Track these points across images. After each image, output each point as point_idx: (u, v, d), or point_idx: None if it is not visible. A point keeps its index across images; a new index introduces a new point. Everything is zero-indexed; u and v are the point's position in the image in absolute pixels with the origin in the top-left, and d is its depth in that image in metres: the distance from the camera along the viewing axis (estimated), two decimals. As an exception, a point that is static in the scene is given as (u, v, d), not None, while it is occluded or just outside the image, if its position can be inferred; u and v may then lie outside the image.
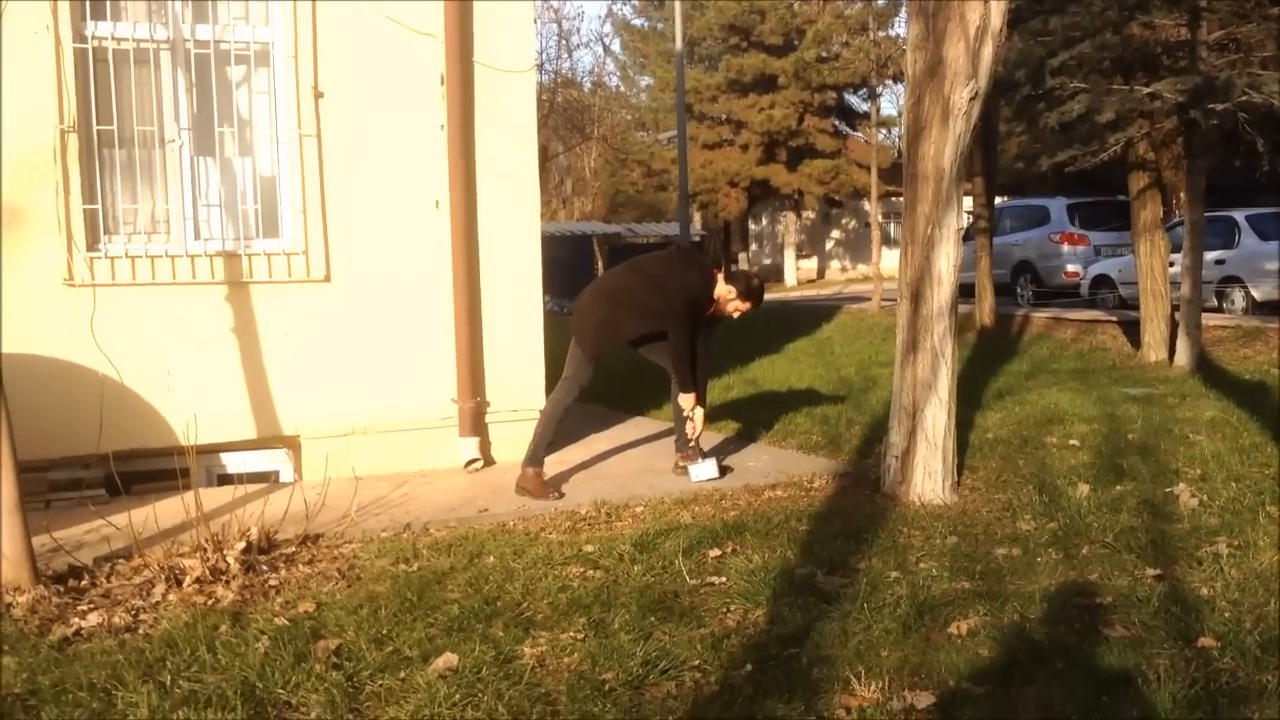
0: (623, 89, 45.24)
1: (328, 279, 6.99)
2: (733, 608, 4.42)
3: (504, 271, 7.39)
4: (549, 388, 7.60)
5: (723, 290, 6.68)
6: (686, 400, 6.66)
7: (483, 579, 4.82)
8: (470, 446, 7.20)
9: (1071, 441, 7.36)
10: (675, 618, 4.31)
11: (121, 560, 5.14)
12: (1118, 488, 6.07)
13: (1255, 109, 10.46)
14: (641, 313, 6.62)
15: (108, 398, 6.36)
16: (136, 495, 6.18)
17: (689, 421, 6.79)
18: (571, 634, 4.14)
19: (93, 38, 6.49)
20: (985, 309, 15.72)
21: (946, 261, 6.04)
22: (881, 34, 34.95)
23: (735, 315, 6.81)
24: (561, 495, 6.45)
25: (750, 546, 5.20)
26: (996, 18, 5.93)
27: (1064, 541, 5.13)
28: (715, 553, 5.11)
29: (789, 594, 4.50)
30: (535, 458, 6.56)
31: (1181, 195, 14.15)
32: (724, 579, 4.76)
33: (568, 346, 6.75)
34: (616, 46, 45.14)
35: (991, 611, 4.24)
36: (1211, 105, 10.42)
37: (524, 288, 7.49)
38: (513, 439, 7.42)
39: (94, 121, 6.51)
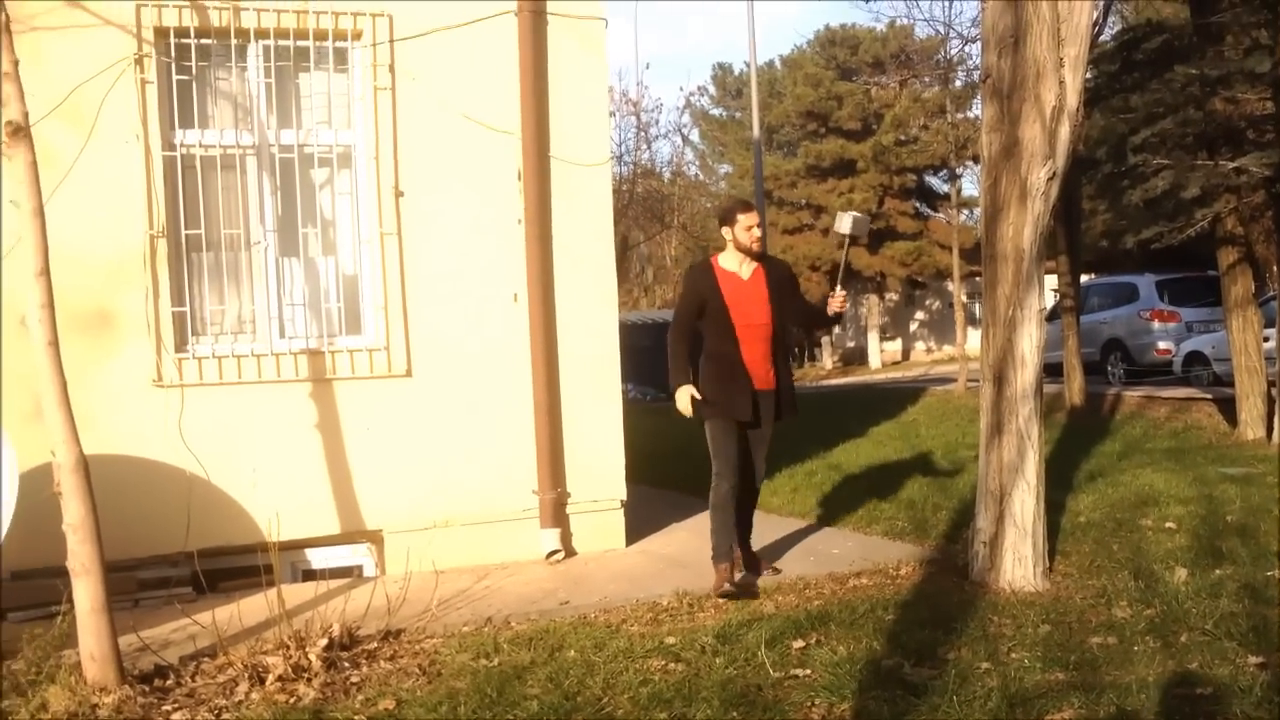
0: (701, 177, 45.70)
1: (409, 374, 7.06)
2: (817, 701, 4.31)
3: (583, 362, 7.42)
4: (629, 476, 7.60)
5: (728, 248, 6.21)
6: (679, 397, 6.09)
7: (563, 674, 4.77)
8: (551, 538, 7.18)
9: (1168, 524, 7.15)
10: (759, 712, 4.22)
11: (206, 658, 5.17)
12: (1217, 571, 5.86)
13: (1346, 180, 10.25)
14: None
15: (195, 496, 6.45)
16: (223, 592, 6.25)
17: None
18: (652, 730, 4.07)
19: (181, 145, 6.71)
20: (1075, 388, 15.43)
21: (1029, 342, 5.94)
22: (960, 116, 34.97)
23: (756, 241, 6.14)
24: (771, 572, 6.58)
25: (835, 637, 5.09)
26: (1073, 97, 5.89)
27: (1161, 629, 4.95)
28: (799, 644, 5.01)
29: (875, 686, 4.39)
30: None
31: (1273, 269, 13.85)
32: (808, 671, 4.65)
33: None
34: (695, 136, 45.68)
35: (1087, 704, 4.09)
36: (1300, 177, 10.23)
37: (603, 378, 7.50)
38: (593, 529, 7.40)
39: (182, 226, 6.70)
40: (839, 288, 6.13)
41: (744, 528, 6.51)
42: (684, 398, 5.99)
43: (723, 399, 6.04)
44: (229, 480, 6.66)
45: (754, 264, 6.18)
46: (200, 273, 6.83)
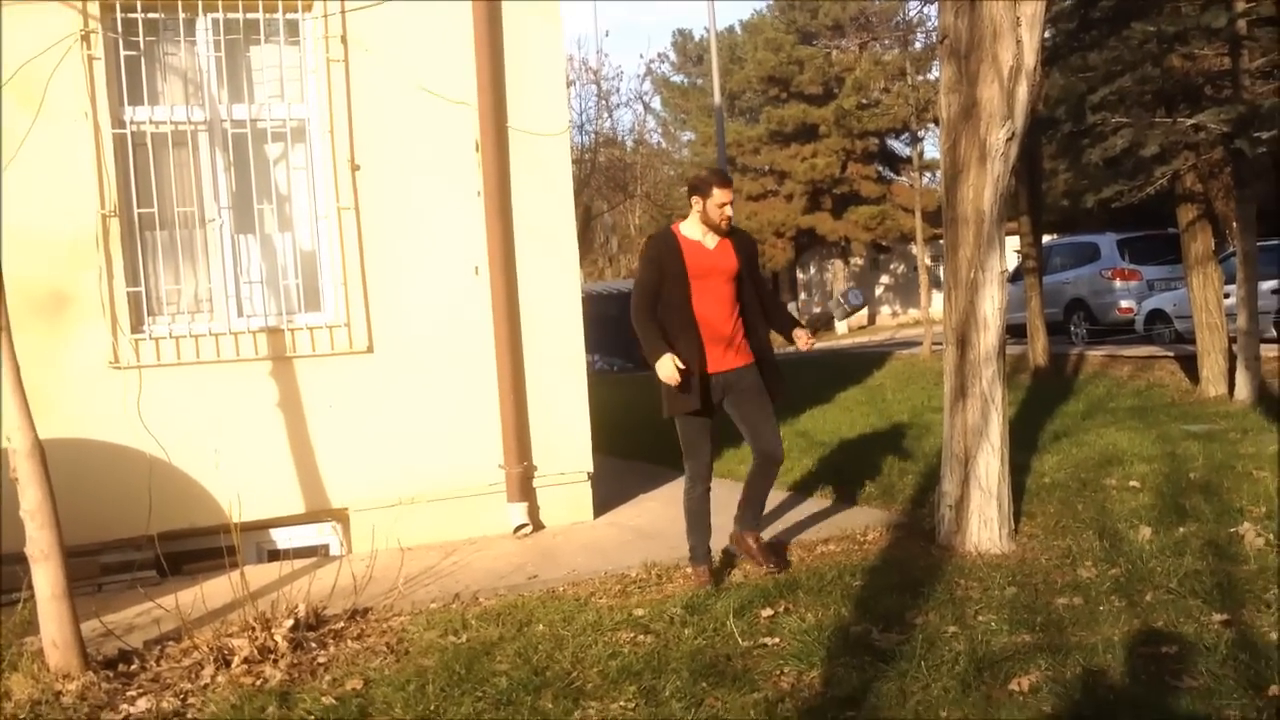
0: (664, 145, 45.51)
1: (370, 350, 7.00)
2: (786, 669, 4.31)
3: (546, 334, 7.37)
4: (596, 448, 7.57)
5: (691, 218, 5.69)
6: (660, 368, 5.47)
7: (532, 648, 4.75)
8: (519, 512, 7.15)
9: (1132, 483, 7.18)
10: (728, 682, 4.22)
11: (171, 642, 5.13)
12: (1181, 529, 5.90)
13: (1303, 135, 10.28)
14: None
15: (156, 478, 6.38)
16: (187, 575, 6.20)
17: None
18: (622, 703, 4.07)
19: (131, 122, 6.60)
20: (1039, 349, 15.49)
21: (991, 305, 5.94)
22: (920, 78, 34.98)
23: (726, 219, 5.62)
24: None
25: (803, 605, 5.09)
26: (1030, 56, 5.86)
27: (1127, 588, 4.98)
28: (768, 612, 5.01)
29: (844, 653, 4.40)
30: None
31: (1233, 225, 13.93)
32: (777, 640, 4.65)
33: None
34: (657, 104, 45.48)
35: (1054, 665, 4.11)
36: (1258, 134, 10.26)
37: (567, 349, 7.45)
38: (561, 502, 7.38)
39: (135, 205, 6.60)
40: (805, 332, 5.80)
41: (755, 506, 5.96)
42: (667, 365, 5.36)
43: (679, 392, 5.47)
44: (190, 462, 6.59)
45: (719, 237, 5.67)
46: (154, 252, 6.73)
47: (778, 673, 4.30)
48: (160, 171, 6.67)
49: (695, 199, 5.62)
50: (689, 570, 5.83)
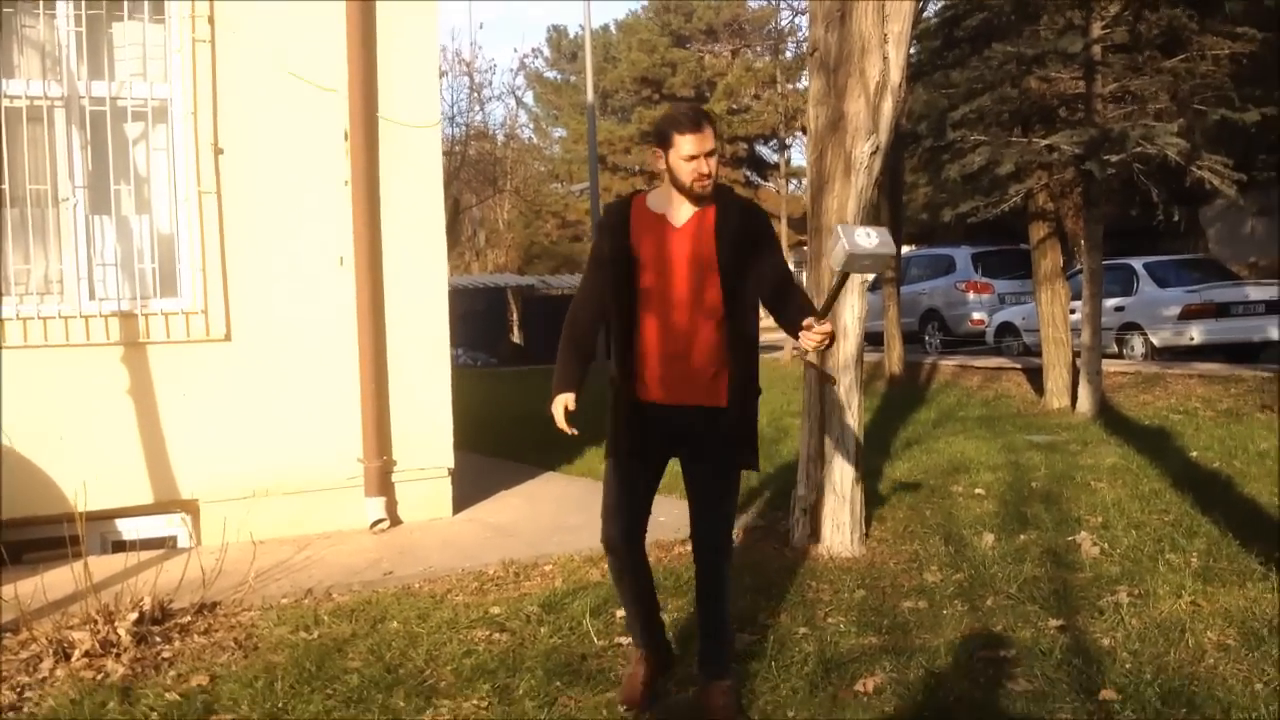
0: (536, 141, 45.48)
1: (228, 338, 6.85)
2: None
3: (411, 327, 7.30)
4: (459, 444, 7.52)
5: (662, 182, 3.96)
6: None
7: (385, 646, 4.71)
8: (376, 507, 7.07)
9: (977, 490, 7.43)
10: (582, 681, 4.25)
11: (8, 634, 4.94)
12: (1022, 537, 6.12)
13: (1150, 160, 10.76)
14: None
15: (-3, 463, 6.15)
16: (27, 564, 5.98)
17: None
18: (475, 702, 4.07)
19: (-18, 94, 6.34)
20: (894, 357, 15.90)
21: (851, 314, 6.09)
22: (790, 87, 35.61)
23: (702, 179, 3.78)
24: None
25: (661, 605, 5.14)
26: (896, 73, 6.02)
27: (969, 593, 5.16)
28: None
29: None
30: None
31: (1081, 244, 14.48)
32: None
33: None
34: (529, 99, 45.39)
35: (898, 667, 4.24)
36: (1107, 156, 10.70)
37: (432, 343, 7.39)
38: (420, 498, 7.32)
39: (-17, 180, 6.35)
40: (815, 319, 3.54)
41: (714, 637, 4.04)
42: (556, 407, 3.99)
43: (613, 422, 3.99)
44: (34, 448, 6.35)
45: (698, 206, 3.87)
46: (3, 230, 6.48)
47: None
48: (12, 147, 6.41)
49: (656, 151, 3.87)
50: (547, 568, 5.83)
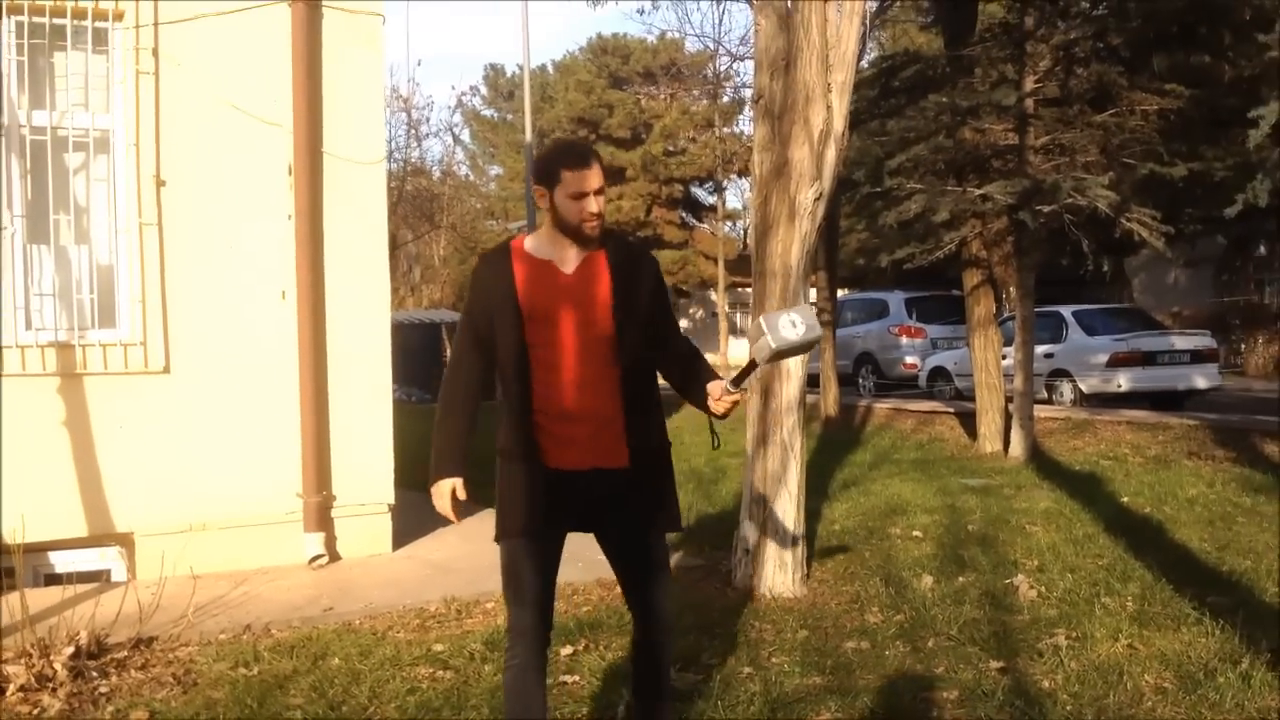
0: (472, 178, 45.44)
1: (167, 370, 6.77)
2: (585, 710, 4.36)
3: (353, 362, 7.26)
4: (398, 480, 7.48)
5: (545, 224, 3.57)
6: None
7: (327, 682, 4.68)
8: (315, 542, 7.01)
9: (915, 533, 7.52)
10: None
11: (-63, 669, 4.83)
12: (960, 579, 6.21)
13: (1080, 210, 11.00)
14: None
15: (-74, 495, 6.02)
16: (-46, 598, 5.85)
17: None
18: (420, 740, 4.04)
19: (-79, 120, 6.26)
20: (830, 399, 16.04)
21: (795, 358, 6.15)
22: (726, 130, 35.97)
23: (591, 219, 3.42)
24: None
25: (603, 643, 5.15)
26: (839, 122, 6.13)
27: (910, 634, 5.21)
28: (568, 650, 5.05)
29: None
30: None
31: (1011, 290, 14.75)
32: (576, 677, 4.70)
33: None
34: (466, 136, 45.40)
35: (843, 707, 4.28)
36: (1039, 206, 10.93)
37: (374, 379, 7.36)
38: (360, 534, 7.26)
39: (-81, 206, 6.25)
40: (730, 385, 3.36)
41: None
42: (442, 496, 3.52)
43: (505, 496, 3.52)
44: (-35, 479, 6.24)
45: (586, 250, 3.52)
46: (-62, 258, 6.39)
47: (577, 713, 4.34)
48: (-51, 173, 6.34)
49: (540, 189, 3.49)
50: (489, 605, 5.81)
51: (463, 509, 3.52)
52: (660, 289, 3.64)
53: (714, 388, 3.38)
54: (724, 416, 3.41)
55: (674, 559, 6.95)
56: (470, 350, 3.57)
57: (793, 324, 3.15)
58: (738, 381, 3.31)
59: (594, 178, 3.41)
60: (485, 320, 3.51)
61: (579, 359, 3.44)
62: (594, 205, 3.40)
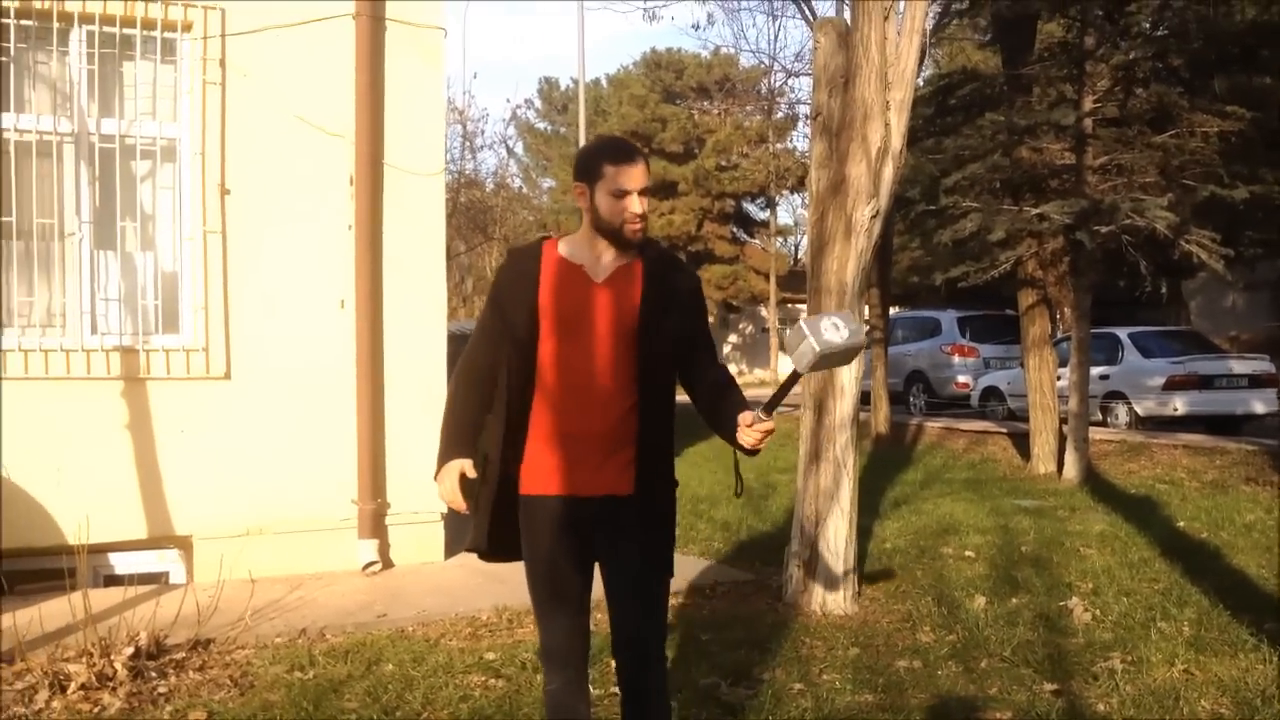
0: (525, 190, 45.64)
1: (227, 376, 6.88)
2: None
3: (409, 371, 7.34)
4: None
5: (582, 226, 3.28)
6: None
7: (381, 688, 4.72)
8: (369, 549, 7.08)
9: (967, 553, 7.48)
10: (579, 730, 4.25)
11: (3, 664, 4.93)
12: (1013, 600, 6.16)
13: (1138, 231, 10.90)
14: None
15: (-8, 494, 6.15)
16: (20, 595, 5.97)
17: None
18: (474, 747, 4.07)
19: (-6, 128, 6.41)
20: (880, 417, 15.97)
21: (849, 373, 6.16)
22: (780, 146, 35.97)
23: (634, 221, 3.16)
24: None
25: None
26: (897, 139, 6.13)
27: (963, 654, 5.19)
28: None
29: (694, 704, 4.49)
30: None
31: (1065, 311, 14.63)
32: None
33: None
34: (520, 149, 45.64)
35: (895, 725, 4.27)
36: (1097, 227, 10.84)
37: (429, 388, 7.42)
38: (413, 541, 7.33)
39: (-8, 212, 6.40)
40: (762, 412, 3.02)
41: None
42: (448, 481, 3.27)
43: (480, 508, 3.33)
44: (31, 479, 6.36)
45: (625, 257, 3.25)
46: (9, 262, 6.53)
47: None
48: (21, 181, 6.48)
49: (580, 187, 3.23)
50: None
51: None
52: (698, 308, 3.36)
53: (745, 416, 3.05)
54: (753, 452, 3.07)
55: (725, 574, 6.97)
56: (482, 345, 3.32)
57: (835, 327, 2.85)
58: (771, 407, 2.98)
59: (638, 175, 3.15)
60: (501, 318, 3.27)
61: (596, 375, 3.17)
62: (637, 205, 3.15)
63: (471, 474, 3.23)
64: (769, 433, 3.02)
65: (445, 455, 3.28)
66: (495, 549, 3.34)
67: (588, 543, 3.24)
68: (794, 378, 2.93)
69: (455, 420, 3.33)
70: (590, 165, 3.19)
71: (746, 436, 3.03)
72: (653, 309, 3.19)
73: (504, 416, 3.23)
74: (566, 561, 3.24)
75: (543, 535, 3.23)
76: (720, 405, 3.20)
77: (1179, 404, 15.41)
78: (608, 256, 3.22)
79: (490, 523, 3.28)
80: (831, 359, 2.90)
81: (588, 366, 3.16)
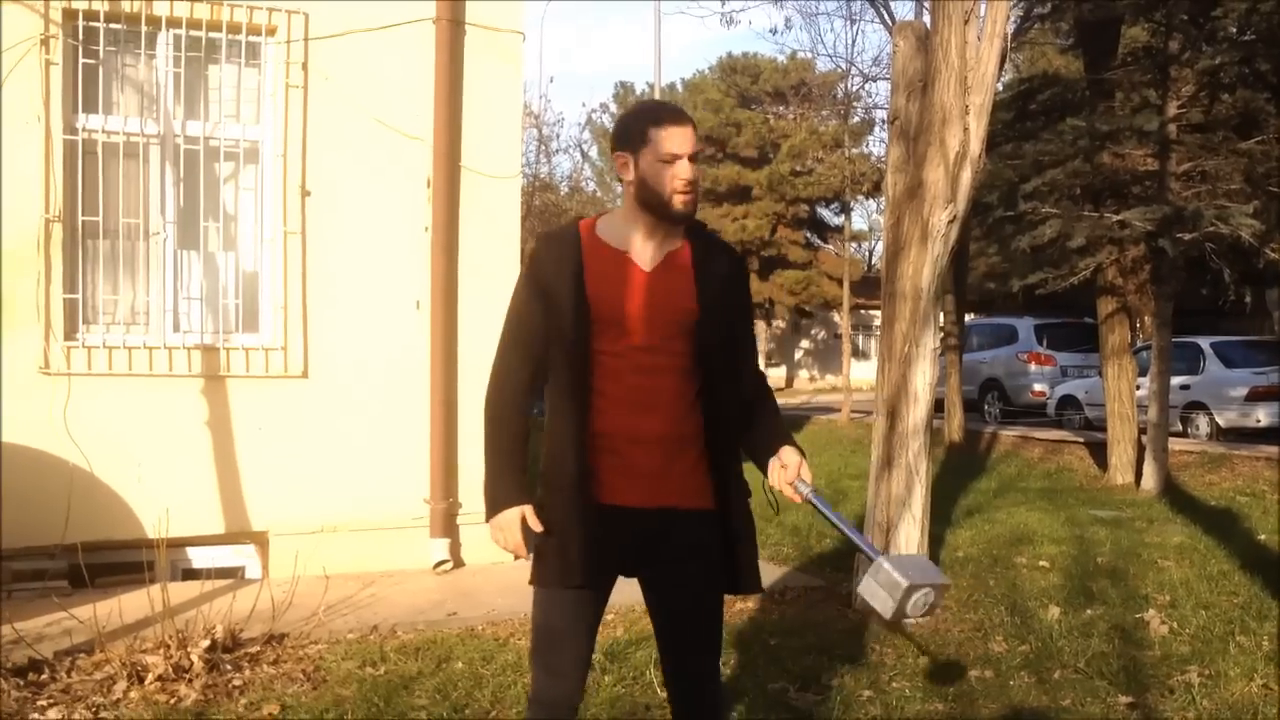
0: (599, 194, 45.76)
1: (305, 375, 6.98)
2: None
3: (482, 372, 7.26)
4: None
5: (625, 202, 2.92)
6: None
7: (451, 685, 4.76)
8: (440, 548, 7.15)
9: (1041, 562, 7.38)
10: (647, 732, 4.27)
11: (83, 654, 5.05)
12: (1088, 611, 6.07)
13: (1222, 239, 10.70)
14: None
15: (76, 488, 6.29)
16: (100, 588, 6.09)
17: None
18: (542, 746, 4.08)
19: (83, 129, 6.56)
20: (955, 425, 15.84)
21: (923, 379, 6.11)
22: (855, 150, 35.71)
23: (685, 187, 2.80)
24: None
25: (722, 659, 5.15)
26: (975, 144, 6.07)
27: (1036, 665, 5.12)
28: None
29: (761, 709, 4.47)
30: None
31: (1145, 319, 14.38)
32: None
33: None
34: (594, 153, 45.78)
35: (965, 735, 4.22)
36: (1179, 234, 10.65)
37: (501, 390, 7.47)
38: (483, 541, 7.34)
39: (79, 212, 6.55)
40: (811, 494, 2.79)
41: None
42: (510, 526, 2.88)
43: (553, 537, 2.86)
44: (112, 474, 6.50)
45: (674, 241, 2.92)
46: (95, 261, 6.69)
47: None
48: (108, 181, 6.63)
49: (622, 156, 2.87)
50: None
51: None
52: (746, 300, 3.06)
53: (790, 462, 2.81)
54: (775, 502, 2.85)
55: (795, 579, 6.94)
56: (516, 354, 2.95)
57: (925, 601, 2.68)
58: (818, 497, 2.77)
59: (687, 138, 2.79)
60: (539, 317, 2.89)
61: (652, 373, 2.83)
62: (688, 171, 2.78)
63: (535, 524, 2.84)
64: (794, 490, 2.80)
65: (500, 499, 2.90)
66: (587, 578, 2.87)
67: (630, 562, 2.90)
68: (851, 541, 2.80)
69: (500, 451, 2.94)
70: (632, 130, 2.84)
71: (781, 483, 2.82)
72: (707, 297, 2.87)
73: (557, 424, 2.87)
74: (601, 585, 2.92)
75: (584, 553, 2.81)
76: (755, 420, 2.96)
77: (1262, 415, 15.09)
78: (653, 240, 2.88)
79: (576, 548, 2.83)
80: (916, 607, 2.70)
81: (644, 364, 2.83)
